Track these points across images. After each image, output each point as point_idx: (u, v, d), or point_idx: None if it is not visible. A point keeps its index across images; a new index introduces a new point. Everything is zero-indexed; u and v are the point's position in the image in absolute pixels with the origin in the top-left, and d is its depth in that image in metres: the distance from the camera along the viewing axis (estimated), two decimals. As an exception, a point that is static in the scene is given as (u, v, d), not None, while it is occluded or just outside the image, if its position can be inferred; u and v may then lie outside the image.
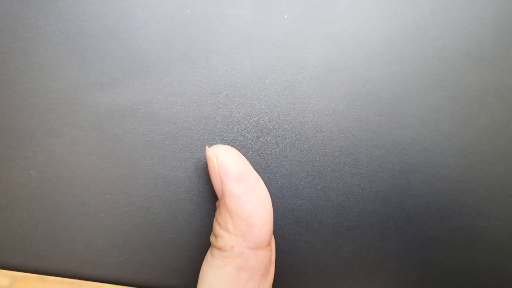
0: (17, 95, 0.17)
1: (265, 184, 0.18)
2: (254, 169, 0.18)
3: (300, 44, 0.18)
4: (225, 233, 0.15)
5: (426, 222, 0.19)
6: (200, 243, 0.18)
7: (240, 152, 0.18)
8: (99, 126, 0.17)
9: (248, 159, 0.18)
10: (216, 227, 0.16)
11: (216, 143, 0.18)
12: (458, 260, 0.19)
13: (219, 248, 0.15)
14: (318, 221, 0.18)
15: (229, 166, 0.15)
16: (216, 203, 0.16)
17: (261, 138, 0.18)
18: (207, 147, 0.16)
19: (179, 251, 0.17)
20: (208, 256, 0.16)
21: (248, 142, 0.18)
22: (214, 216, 0.18)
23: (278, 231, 0.18)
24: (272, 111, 0.18)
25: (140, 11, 0.18)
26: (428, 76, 0.19)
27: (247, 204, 0.15)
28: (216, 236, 0.16)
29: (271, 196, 0.18)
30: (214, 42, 0.18)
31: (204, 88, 0.18)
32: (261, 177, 0.18)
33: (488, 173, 0.19)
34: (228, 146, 0.16)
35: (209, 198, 0.18)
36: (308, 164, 0.18)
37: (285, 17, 0.18)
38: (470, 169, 0.19)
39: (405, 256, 0.19)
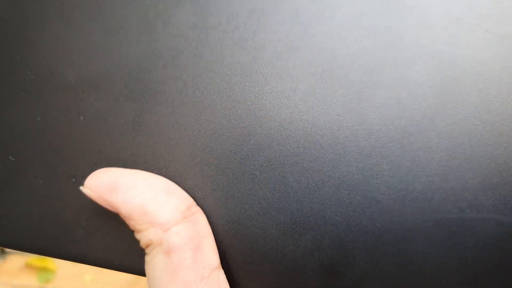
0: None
1: (220, 169, 0.17)
2: (210, 154, 0.18)
3: (258, 23, 0.18)
4: (139, 234, 0.16)
5: (401, 212, 0.17)
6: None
7: (195, 137, 0.18)
8: (67, 113, 0.18)
9: (200, 146, 0.18)
10: (135, 234, 0.17)
11: (168, 125, 0.18)
12: (442, 257, 0.17)
13: (146, 248, 0.16)
14: (276, 207, 0.17)
15: (99, 186, 0.16)
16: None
17: (216, 122, 0.18)
18: (81, 187, 0.17)
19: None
20: (145, 258, 0.17)
21: (203, 127, 0.18)
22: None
23: (234, 218, 0.18)
24: (228, 95, 0.18)
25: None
26: (406, 48, 0.17)
27: (133, 199, 0.16)
28: (139, 241, 0.16)
29: (223, 182, 0.18)
30: (173, 27, 0.18)
31: (163, 74, 0.18)
32: (215, 163, 0.18)
33: (481, 156, 0.16)
34: (92, 173, 0.17)
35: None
36: (266, 148, 0.17)
37: (242, -4, 0.18)
38: (458, 153, 0.16)
39: (376, 249, 0.17)
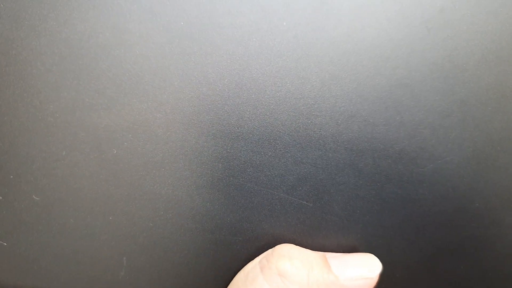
0: (15, 120, 0.17)
1: (267, 200, 0.18)
2: (257, 184, 0.17)
3: (301, 52, 0.17)
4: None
5: (435, 232, 0.18)
6: (203, 260, 0.18)
7: (241, 168, 0.17)
8: (98, 147, 0.17)
9: (249, 175, 0.18)
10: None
11: (214, 160, 0.17)
12: (469, 269, 0.19)
13: (283, 275, 0.15)
14: (323, 235, 0.18)
15: None
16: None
17: (263, 153, 0.18)
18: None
19: (183, 269, 0.18)
20: (258, 276, 0.16)
21: (249, 158, 0.18)
22: (216, 233, 0.18)
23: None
24: (273, 124, 0.18)
25: (134, 26, 0.17)
26: (438, 80, 0.18)
27: None
28: (294, 266, 0.16)
29: (271, 213, 0.18)
30: (211, 55, 0.17)
31: (202, 103, 0.17)
32: (263, 192, 0.18)
33: (502, 179, 0.18)
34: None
35: (211, 215, 0.17)
36: (312, 177, 0.18)
37: (284, 24, 0.17)
38: (482, 176, 0.18)
39: (413, 267, 0.18)
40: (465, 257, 0.19)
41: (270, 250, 0.17)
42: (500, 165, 0.18)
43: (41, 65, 0.17)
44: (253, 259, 0.17)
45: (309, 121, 0.18)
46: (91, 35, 0.17)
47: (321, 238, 0.18)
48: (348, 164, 0.18)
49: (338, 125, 0.18)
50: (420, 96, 0.18)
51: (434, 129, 0.18)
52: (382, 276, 0.18)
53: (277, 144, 0.18)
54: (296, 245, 0.18)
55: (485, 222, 0.18)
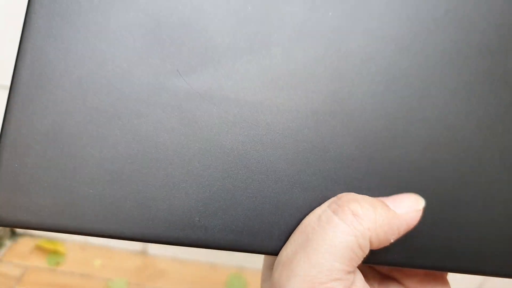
0: (105, 80, 0.19)
1: (322, 160, 0.21)
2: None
3: (344, 36, 0.22)
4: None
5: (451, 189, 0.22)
6: (268, 207, 0.20)
7: (299, 141, 0.21)
8: (179, 107, 0.20)
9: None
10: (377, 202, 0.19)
11: (279, 121, 0.20)
12: (479, 218, 0.23)
13: (356, 214, 0.18)
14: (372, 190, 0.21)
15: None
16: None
17: (315, 118, 0.21)
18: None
19: (251, 214, 0.20)
20: (332, 217, 0.18)
21: (301, 129, 0.21)
22: (278, 183, 0.20)
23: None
24: (323, 95, 0.21)
25: (209, 7, 0.20)
26: (484, 91, 0.22)
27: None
28: (363, 207, 0.19)
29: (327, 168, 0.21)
30: (273, 35, 0.21)
31: (266, 75, 0.21)
32: (319, 161, 0.21)
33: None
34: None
35: (274, 169, 0.20)
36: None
37: (330, 14, 0.22)
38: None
39: (433, 220, 0.22)
40: (476, 210, 0.23)
41: (334, 198, 0.20)
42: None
43: (129, 35, 0.20)
44: (311, 206, 0.20)
45: (352, 92, 0.21)
46: (174, 12, 0.20)
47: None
48: (383, 133, 0.22)
49: (375, 96, 0.22)
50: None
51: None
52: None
53: (325, 109, 0.21)
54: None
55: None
